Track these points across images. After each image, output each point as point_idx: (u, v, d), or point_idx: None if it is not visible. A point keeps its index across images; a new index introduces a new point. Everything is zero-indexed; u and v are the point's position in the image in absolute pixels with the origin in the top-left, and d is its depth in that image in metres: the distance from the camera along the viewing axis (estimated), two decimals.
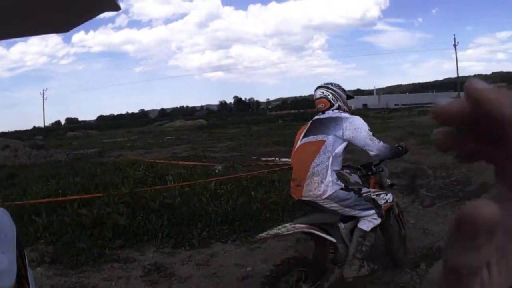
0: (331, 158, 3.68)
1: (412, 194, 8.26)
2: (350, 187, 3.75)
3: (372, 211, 3.74)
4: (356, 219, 3.77)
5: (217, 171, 11.41)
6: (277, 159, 13.73)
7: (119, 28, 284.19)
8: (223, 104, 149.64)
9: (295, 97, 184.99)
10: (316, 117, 4.14)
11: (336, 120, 3.86)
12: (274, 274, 3.33)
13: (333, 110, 4.02)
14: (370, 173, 4.27)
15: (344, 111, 4.06)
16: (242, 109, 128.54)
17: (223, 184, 8.54)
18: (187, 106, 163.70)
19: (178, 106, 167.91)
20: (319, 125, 3.97)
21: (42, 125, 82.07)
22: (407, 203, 7.53)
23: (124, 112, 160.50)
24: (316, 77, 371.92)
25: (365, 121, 3.91)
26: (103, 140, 32.52)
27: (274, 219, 6.55)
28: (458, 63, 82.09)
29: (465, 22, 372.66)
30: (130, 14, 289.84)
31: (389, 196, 4.11)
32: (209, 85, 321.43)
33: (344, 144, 3.78)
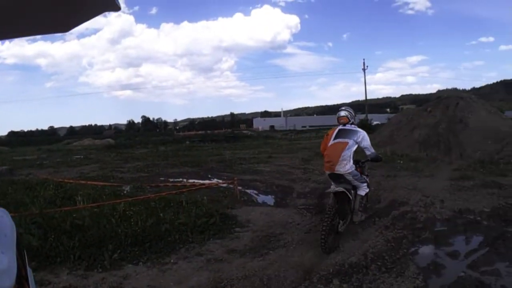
0: (351, 153, 6.63)
1: (320, 213, 8.53)
2: (357, 169, 6.83)
3: (365, 184, 6.96)
4: (355, 188, 6.83)
5: (125, 191, 11.48)
6: (185, 180, 14.02)
7: (34, 40, 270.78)
8: (131, 124, 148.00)
9: (203, 118, 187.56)
10: (341, 127, 7.03)
11: (353, 131, 6.87)
12: (328, 212, 6.20)
13: (350, 124, 7.09)
14: (359, 164, 7.09)
15: (356, 125, 7.17)
16: (150, 129, 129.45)
17: (132, 205, 8.49)
18: (95, 125, 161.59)
19: (87, 124, 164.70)
20: (344, 132, 6.90)
21: None
22: (316, 222, 7.85)
23: (34, 128, 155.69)
24: (223, 99, 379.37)
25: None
26: (14, 158, 32.07)
27: (183, 240, 6.72)
28: (366, 86, 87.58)
29: (375, 47, 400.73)
30: None
31: (368, 179, 7.27)
32: (117, 103, 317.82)
33: (357, 145, 6.77)
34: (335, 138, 6.88)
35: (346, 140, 6.72)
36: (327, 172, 6.86)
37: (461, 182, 11.15)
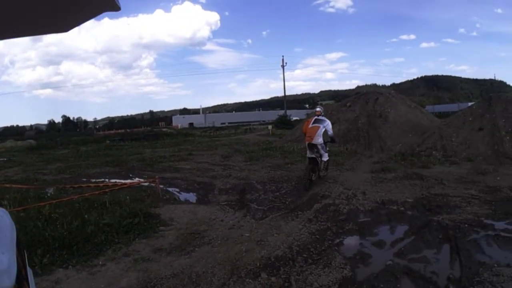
0: (322, 132, 10.74)
1: (243, 208, 8.66)
2: (324, 143, 10.89)
3: (327, 154, 11.06)
4: (321, 156, 10.88)
5: (49, 194, 11.26)
6: (107, 180, 13.96)
7: None
8: (51, 124, 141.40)
9: (122, 116, 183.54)
10: (316, 117, 11.19)
11: (323, 120, 11.03)
12: (306, 169, 10.64)
13: (322, 115, 11.43)
14: (324, 142, 10.87)
15: (324, 116, 11.55)
16: (70, 129, 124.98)
17: (57, 208, 8.42)
18: (17, 125, 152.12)
19: (9, 125, 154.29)
20: (318, 121, 10.96)
21: None
22: (239, 217, 7.90)
23: None
24: (143, 96, 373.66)
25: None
26: None
27: (109, 240, 6.68)
28: (285, 83, 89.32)
29: (295, 44, 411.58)
30: None
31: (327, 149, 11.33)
32: (38, 103, 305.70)
33: (324, 129, 10.82)
34: (313, 124, 11.00)
35: (319, 125, 10.86)
36: (307, 143, 10.83)
37: (382, 174, 11.59)
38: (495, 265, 4.93)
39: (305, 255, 5.59)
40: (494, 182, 9.88)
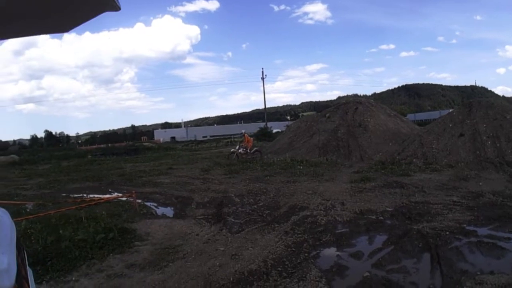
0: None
1: (219, 222, 8.46)
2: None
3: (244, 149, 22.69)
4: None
5: (28, 209, 11.20)
6: (85, 195, 13.79)
7: None
8: (34, 139, 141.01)
9: (105, 131, 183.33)
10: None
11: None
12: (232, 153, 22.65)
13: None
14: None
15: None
16: (53, 144, 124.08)
17: (33, 223, 8.46)
18: (0, 140, 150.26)
19: None
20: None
21: None
22: (215, 231, 7.72)
23: None
24: (124, 111, 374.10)
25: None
26: None
27: (83, 256, 6.56)
28: (266, 95, 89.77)
29: (275, 56, 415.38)
30: None
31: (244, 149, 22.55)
32: (21, 117, 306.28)
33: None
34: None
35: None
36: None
37: (362, 184, 11.47)
38: (478, 273, 4.82)
39: (279, 269, 5.43)
40: (476, 188, 9.89)
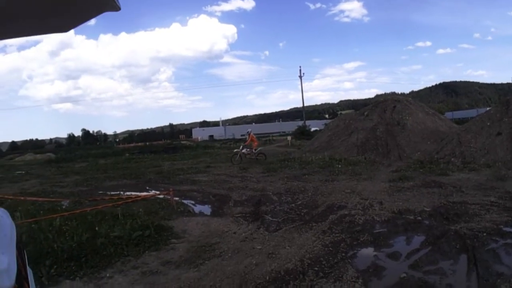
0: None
1: (257, 220, 8.52)
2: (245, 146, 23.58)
3: (249, 150, 23.20)
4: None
5: (64, 206, 11.33)
6: (122, 193, 13.90)
7: None
8: (71, 137, 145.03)
9: (142, 130, 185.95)
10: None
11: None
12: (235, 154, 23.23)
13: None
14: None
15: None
16: (90, 142, 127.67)
17: (69, 220, 8.45)
18: (36, 139, 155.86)
19: (28, 138, 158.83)
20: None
21: None
22: (252, 230, 7.77)
23: None
24: (162, 109, 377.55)
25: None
26: None
27: (119, 253, 6.63)
28: (304, 94, 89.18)
29: (312, 54, 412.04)
30: None
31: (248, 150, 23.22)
32: (58, 117, 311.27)
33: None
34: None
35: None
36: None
37: (400, 183, 11.37)
38: None
39: (316, 268, 5.45)
40: None
